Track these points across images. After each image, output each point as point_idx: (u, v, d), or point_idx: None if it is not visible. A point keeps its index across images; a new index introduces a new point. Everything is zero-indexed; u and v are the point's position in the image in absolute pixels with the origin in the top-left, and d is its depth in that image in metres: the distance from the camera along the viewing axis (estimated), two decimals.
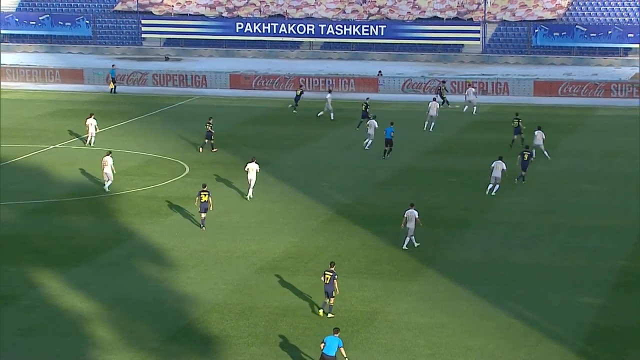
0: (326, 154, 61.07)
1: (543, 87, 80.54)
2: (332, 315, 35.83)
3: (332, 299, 35.79)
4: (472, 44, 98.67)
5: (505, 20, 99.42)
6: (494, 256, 42.12)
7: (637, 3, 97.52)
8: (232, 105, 77.46)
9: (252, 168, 50.74)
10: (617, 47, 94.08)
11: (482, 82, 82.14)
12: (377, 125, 61.32)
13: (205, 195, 45.66)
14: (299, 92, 74.86)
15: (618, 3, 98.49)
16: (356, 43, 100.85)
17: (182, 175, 55.54)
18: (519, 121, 61.95)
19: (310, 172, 56.18)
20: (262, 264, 41.30)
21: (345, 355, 31.12)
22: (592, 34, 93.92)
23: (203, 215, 45.72)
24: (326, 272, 35.90)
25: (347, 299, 37.30)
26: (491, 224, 46.52)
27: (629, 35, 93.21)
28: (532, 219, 47.15)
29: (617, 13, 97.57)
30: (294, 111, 73.18)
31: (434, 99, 69.54)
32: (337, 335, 31.11)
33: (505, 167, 51.08)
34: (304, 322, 35.44)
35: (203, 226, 45.74)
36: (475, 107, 72.42)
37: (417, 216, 42.67)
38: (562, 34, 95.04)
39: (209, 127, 61.01)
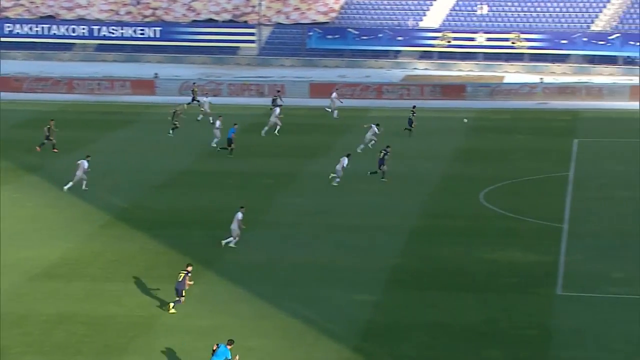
0: (102, 157, 60.06)
1: (318, 88, 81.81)
2: (174, 311, 35.80)
3: (182, 298, 35.94)
4: (248, 47, 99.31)
5: (280, 23, 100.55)
6: (272, 257, 42.40)
7: (407, 8, 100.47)
8: (2, 109, 75.16)
9: (81, 165, 51.15)
10: (388, 50, 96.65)
11: (259, 84, 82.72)
12: (220, 126, 61.86)
13: None
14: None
15: (387, 7, 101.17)
16: (131, 45, 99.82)
17: None
18: (413, 114, 65.38)
19: (86, 176, 55.09)
20: (36, 271, 40.25)
21: None
22: (363, 37, 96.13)
23: None
24: (181, 272, 36.27)
25: (125, 304, 36.87)
26: (269, 225, 46.80)
27: (398, 38, 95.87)
28: (309, 219, 47.79)
29: (387, 17, 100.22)
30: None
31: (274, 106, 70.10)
32: (230, 347, 30.75)
33: (345, 164, 52.65)
34: (82, 329, 34.78)
35: None
36: (336, 111, 72.68)
37: (239, 218, 42.82)
38: (336, 36, 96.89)
39: (48, 131, 60.36)
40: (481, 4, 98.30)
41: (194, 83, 79.32)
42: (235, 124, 61.59)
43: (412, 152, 62.10)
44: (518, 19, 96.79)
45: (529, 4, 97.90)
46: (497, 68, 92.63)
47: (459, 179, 55.20)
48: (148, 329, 34.80)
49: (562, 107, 76.39)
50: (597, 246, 43.69)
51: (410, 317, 36.06)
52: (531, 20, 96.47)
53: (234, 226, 42.89)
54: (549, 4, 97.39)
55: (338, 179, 53.31)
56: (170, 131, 65.69)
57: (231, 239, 43.07)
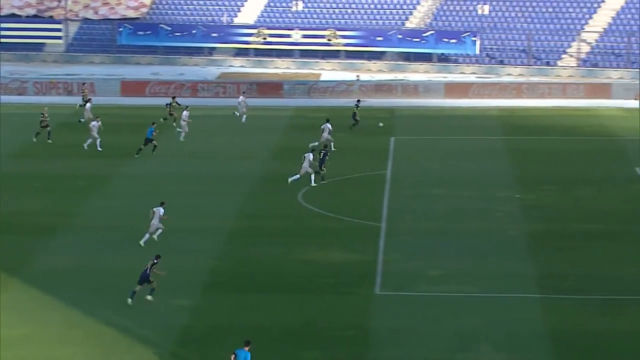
0: None
1: (130, 86, 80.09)
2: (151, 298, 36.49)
3: (153, 283, 36.55)
4: (54, 43, 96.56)
5: (88, 19, 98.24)
6: (84, 262, 41.19)
7: (221, 3, 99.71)
8: None
9: None
10: (202, 47, 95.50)
11: (67, 82, 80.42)
12: (99, 127, 60.15)
13: None
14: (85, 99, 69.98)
15: (201, 2, 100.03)
16: None
17: None
18: (356, 108, 66.65)
19: None
20: None
21: None
22: (177, 33, 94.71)
23: None
24: (150, 261, 36.79)
25: None
26: (80, 228, 45.48)
27: (213, 34, 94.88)
28: (124, 222, 46.41)
29: (200, 13, 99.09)
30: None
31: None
32: (248, 348, 30.26)
33: (311, 159, 52.10)
34: None
35: None
36: (245, 116, 69.84)
37: (161, 214, 42.44)
38: (147, 33, 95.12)
39: None
40: (296, 1, 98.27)
41: (84, 84, 76.02)
42: (154, 123, 59.79)
43: (228, 151, 61.24)
44: (333, 16, 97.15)
45: (344, 0, 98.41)
46: (313, 65, 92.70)
47: (277, 178, 54.59)
48: None
49: (378, 104, 76.83)
50: (414, 244, 43.95)
51: (228, 320, 35.59)
52: (346, 17, 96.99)
53: (155, 221, 42.45)
54: (363, 1, 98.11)
55: (312, 176, 52.23)
56: (38, 138, 62.24)
57: (147, 236, 42.57)
